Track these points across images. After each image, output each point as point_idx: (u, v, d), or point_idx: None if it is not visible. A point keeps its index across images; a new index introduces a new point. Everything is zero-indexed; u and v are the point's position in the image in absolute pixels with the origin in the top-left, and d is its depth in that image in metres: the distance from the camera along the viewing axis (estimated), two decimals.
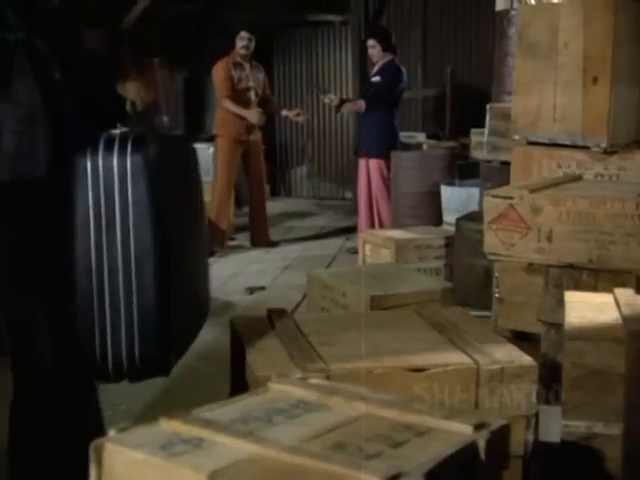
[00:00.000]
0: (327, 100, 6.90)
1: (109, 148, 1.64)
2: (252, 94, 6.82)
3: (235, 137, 6.70)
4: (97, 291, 1.68)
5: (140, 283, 1.68)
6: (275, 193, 10.44)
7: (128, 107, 2.43)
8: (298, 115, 7.22)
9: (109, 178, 1.64)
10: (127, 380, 1.75)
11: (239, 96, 6.70)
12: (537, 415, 2.10)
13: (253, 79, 6.83)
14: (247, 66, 6.79)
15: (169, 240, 1.72)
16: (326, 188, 10.63)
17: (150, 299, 1.70)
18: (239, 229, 7.43)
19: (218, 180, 6.79)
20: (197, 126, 9.94)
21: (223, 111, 6.73)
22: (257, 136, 6.92)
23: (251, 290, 5.42)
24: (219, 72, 6.71)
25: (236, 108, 6.62)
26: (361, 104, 6.50)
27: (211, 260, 6.40)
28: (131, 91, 2.58)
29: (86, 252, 1.67)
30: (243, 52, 6.73)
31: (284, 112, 7.29)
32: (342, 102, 6.90)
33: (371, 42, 6.50)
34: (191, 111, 9.90)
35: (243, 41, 6.71)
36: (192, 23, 10.24)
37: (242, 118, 6.65)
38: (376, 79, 6.46)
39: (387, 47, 6.42)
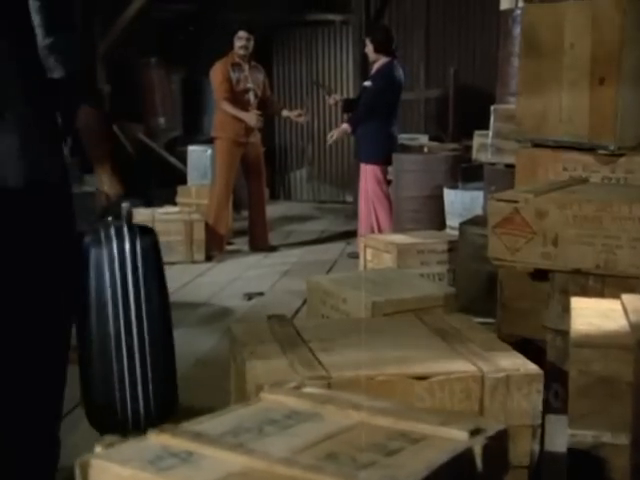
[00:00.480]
0: (332, 101, 6.91)
1: (120, 237, 2.14)
2: (251, 95, 6.81)
3: (234, 139, 6.70)
4: (115, 352, 1.99)
5: (152, 340, 2.02)
6: (274, 196, 10.45)
7: (103, 199, 2.70)
8: (299, 116, 7.20)
9: (122, 260, 2.07)
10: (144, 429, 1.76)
11: (238, 98, 6.68)
12: (543, 424, 2.10)
13: (252, 80, 6.82)
14: (246, 67, 6.78)
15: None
16: (326, 191, 10.64)
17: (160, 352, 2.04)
18: (238, 233, 7.43)
19: (216, 183, 6.80)
20: (195, 128, 9.95)
21: (222, 113, 6.73)
22: (256, 138, 6.91)
23: (250, 296, 5.42)
24: (217, 73, 6.70)
25: (234, 110, 6.62)
26: (345, 128, 6.54)
27: (209, 265, 6.41)
28: (105, 183, 2.72)
29: (104, 320, 1.99)
30: (242, 52, 6.72)
31: (285, 113, 7.28)
32: (346, 103, 6.90)
33: (366, 40, 6.55)
34: (188, 112, 9.90)
35: (241, 41, 6.71)
36: (189, 23, 10.26)
37: (241, 120, 6.65)
38: (367, 84, 6.49)
39: (381, 47, 6.39)
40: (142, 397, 2.00)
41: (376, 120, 6.38)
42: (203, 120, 9.50)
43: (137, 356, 2.00)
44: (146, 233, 2.21)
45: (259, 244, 7.01)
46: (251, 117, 6.67)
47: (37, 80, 2.01)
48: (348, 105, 6.89)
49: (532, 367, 2.08)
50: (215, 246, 6.67)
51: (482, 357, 2.11)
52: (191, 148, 8.71)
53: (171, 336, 2.08)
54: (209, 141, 7.34)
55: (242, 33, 6.71)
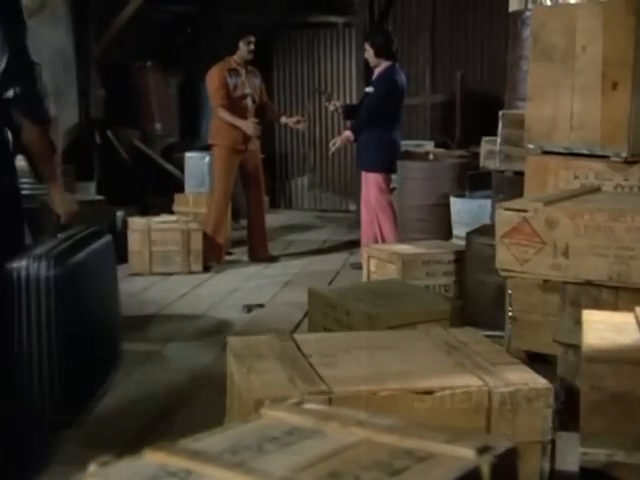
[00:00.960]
0: (332, 107, 6.90)
1: (38, 263, 2.56)
2: (249, 101, 6.81)
3: (232, 146, 6.70)
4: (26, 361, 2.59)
5: (49, 356, 2.60)
6: (275, 205, 10.46)
7: (52, 218, 2.92)
8: (298, 122, 7.19)
9: (36, 285, 2.56)
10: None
11: (235, 104, 6.67)
12: (553, 442, 2.10)
13: (249, 85, 6.83)
14: (243, 72, 6.79)
15: (73, 326, 2.65)
16: (328, 200, 10.65)
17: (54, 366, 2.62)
18: (237, 243, 7.44)
19: (215, 192, 6.80)
20: (192, 133, 9.97)
21: (219, 120, 6.73)
22: (255, 145, 6.92)
23: (249, 308, 5.42)
24: (213, 79, 6.69)
25: (231, 118, 6.62)
26: (348, 136, 6.53)
27: (207, 276, 6.41)
28: (55, 201, 2.87)
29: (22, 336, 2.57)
30: (250, 57, 6.76)
31: (283, 119, 7.28)
32: (347, 109, 6.90)
33: (365, 45, 6.56)
34: (186, 118, 9.92)
35: (251, 45, 6.72)
36: (187, 25, 10.29)
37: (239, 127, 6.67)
38: (369, 90, 6.52)
39: (381, 52, 6.41)
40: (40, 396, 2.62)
41: (378, 126, 6.39)
42: (201, 126, 9.52)
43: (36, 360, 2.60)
44: (58, 264, 2.59)
45: (258, 254, 7.00)
46: (249, 126, 6.67)
47: None
48: (349, 111, 6.90)
49: (541, 382, 2.07)
50: (214, 256, 6.67)
51: (489, 371, 2.11)
52: (188, 155, 8.73)
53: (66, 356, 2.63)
54: (207, 148, 7.34)
55: (251, 37, 6.71)
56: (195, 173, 8.38)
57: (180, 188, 8.44)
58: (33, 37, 2.75)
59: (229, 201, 6.93)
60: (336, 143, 6.66)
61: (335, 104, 6.93)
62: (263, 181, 7.17)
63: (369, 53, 6.48)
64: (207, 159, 7.77)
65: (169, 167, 9.28)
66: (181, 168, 8.87)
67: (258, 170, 7.02)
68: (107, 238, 3.04)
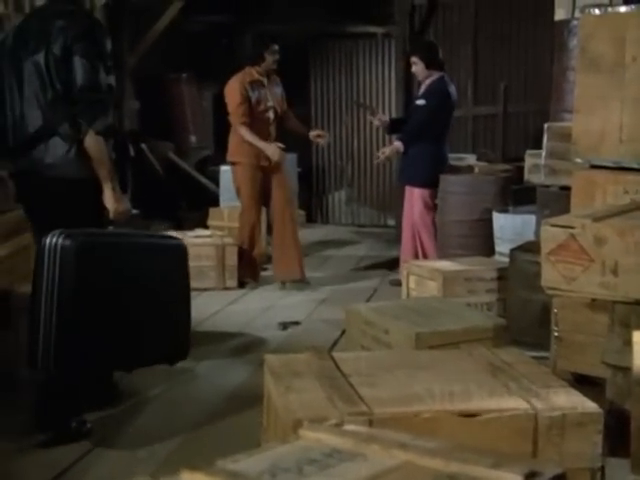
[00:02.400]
0: (377, 122, 6.82)
1: (59, 236, 3.16)
2: (271, 114, 6.59)
3: (254, 164, 6.48)
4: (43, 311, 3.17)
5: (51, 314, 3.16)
6: (311, 220, 10.48)
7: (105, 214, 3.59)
8: (319, 137, 6.91)
9: (53, 253, 3.15)
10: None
11: (258, 118, 6.46)
12: (603, 469, 2.07)
13: (272, 96, 6.60)
14: (266, 82, 6.56)
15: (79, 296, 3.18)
16: (366, 214, 10.65)
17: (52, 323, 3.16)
18: (271, 258, 7.44)
19: (245, 211, 6.64)
20: (227, 146, 10.03)
21: (238, 135, 6.50)
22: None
23: (285, 325, 5.43)
24: (234, 95, 6.44)
25: (253, 139, 6.38)
26: (398, 147, 6.46)
27: (241, 292, 6.43)
28: (107, 199, 3.53)
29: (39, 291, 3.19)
30: (275, 66, 6.60)
31: (311, 135, 6.94)
32: (392, 124, 6.85)
33: (413, 59, 6.45)
34: (221, 130, 9.97)
35: (275, 55, 6.53)
36: (223, 35, 10.38)
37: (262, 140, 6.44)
38: (421, 102, 6.43)
39: (431, 64, 6.38)
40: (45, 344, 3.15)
41: (428, 140, 6.36)
42: None
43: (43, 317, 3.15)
44: (73, 239, 3.15)
45: (280, 275, 6.62)
46: (274, 151, 6.39)
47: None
48: (394, 125, 6.84)
49: (590, 405, 2.05)
50: (249, 274, 6.65)
51: (536, 394, 2.09)
52: (224, 168, 8.75)
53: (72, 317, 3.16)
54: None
55: (276, 46, 6.52)
56: (230, 186, 8.35)
57: (215, 202, 8.48)
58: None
59: (260, 217, 6.74)
60: (385, 152, 6.59)
61: (381, 118, 6.87)
62: (290, 200, 6.78)
63: (418, 66, 6.39)
64: None
65: (203, 180, 9.34)
66: (216, 181, 8.92)
67: (283, 188, 6.64)
68: (167, 244, 3.63)
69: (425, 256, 6.34)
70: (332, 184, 10.78)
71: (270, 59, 6.50)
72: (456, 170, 7.06)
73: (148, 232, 3.78)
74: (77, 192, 3.48)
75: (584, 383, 2.85)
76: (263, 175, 6.53)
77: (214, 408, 3.89)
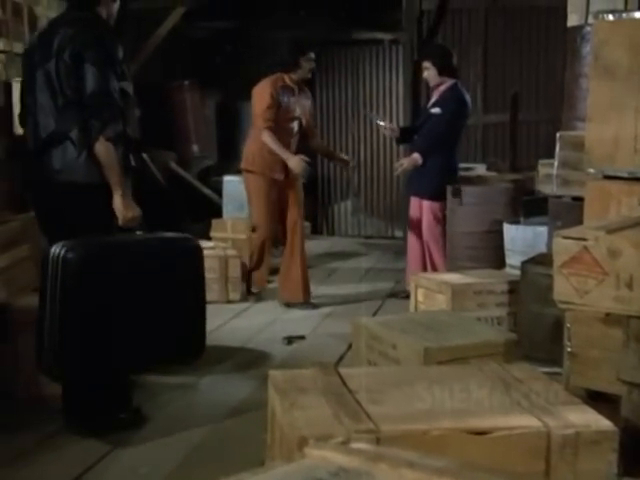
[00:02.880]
0: (389, 132, 6.73)
1: (62, 248, 3.35)
2: (296, 125, 6.45)
3: (268, 175, 6.32)
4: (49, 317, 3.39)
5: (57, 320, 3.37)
6: (317, 231, 10.49)
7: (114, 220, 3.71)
8: (343, 162, 7.02)
9: (55, 264, 3.36)
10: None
11: (281, 126, 6.27)
12: None
13: (300, 107, 6.44)
14: (297, 91, 6.41)
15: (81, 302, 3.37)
16: (373, 225, 10.66)
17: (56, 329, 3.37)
18: (277, 271, 7.44)
19: (258, 228, 6.43)
20: (231, 155, 10.05)
21: (255, 143, 6.33)
22: (295, 176, 6.42)
23: (289, 340, 5.42)
24: (264, 96, 6.23)
25: (276, 146, 6.18)
26: (416, 158, 6.34)
27: (245, 305, 6.43)
28: (117, 206, 3.67)
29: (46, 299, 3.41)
30: (309, 76, 6.49)
31: (337, 155, 6.88)
32: (402, 133, 6.78)
33: (425, 64, 6.41)
34: (224, 139, 10.01)
35: (312, 63, 6.38)
36: (226, 42, 10.42)
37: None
38: (436, 110, 6.37)
39: (445, 69, 6.36)
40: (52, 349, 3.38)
41: (442, 151, 6.35)
42: (240, 148, 9.58)
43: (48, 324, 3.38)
44: (75, 250, 3.35)
45: (285, 297, 6.49)
46: (297, 163, 6.21)
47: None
48: (403, 135, 6.76)
49: (605, 423, 2.04)
50: (257, 281, 6.63)
51: (548, 411, 2.09)
52: (227, 178, 8.81)
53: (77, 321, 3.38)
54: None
55: (312, 54, 6.36)
56: (233, 197, 8.44)
57: (218, 213, 8.50)
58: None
59: (272, 233, 6.49)
60: (403, 164, 6.47)
61: (392, 127, 6.75)
62: (302, 216, 6.60)
63: (431, 72, 6.34)
64: None
65: (206, 191, 9.36)
66: (219, 192, 8.94)
67: (298, 204, 6.48)
68: (178, 245, 3.73)
69: (434, 269, 6.34)
70: (338, 194, 10.79)
71: (306, 67, 6.34)
72: (465, 180, 7.05)
73: (161, 234, 3.80)
74: (87, 196, 3.64)
75: (598, 400, 2.84)
76: (278, 190, 6.36)
77: (217, 424, 3.89)
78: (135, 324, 3.47)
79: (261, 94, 6.27)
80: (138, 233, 3.73)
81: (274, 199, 6.36)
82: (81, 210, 3.65)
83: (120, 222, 3.70)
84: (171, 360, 3.79)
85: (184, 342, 3.66)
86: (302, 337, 5.52)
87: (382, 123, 6.89)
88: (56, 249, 3.34)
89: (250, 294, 6.60)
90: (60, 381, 3.65)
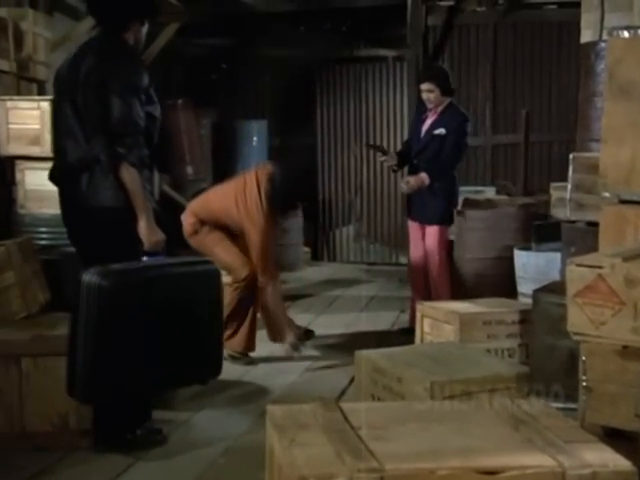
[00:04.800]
0: (391, 162, 6.62)
1: (97, 275, 3.61)
2: None
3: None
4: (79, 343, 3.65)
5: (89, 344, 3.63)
6: (317, 257, 10.50)
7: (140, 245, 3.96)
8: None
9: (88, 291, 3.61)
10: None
11: None
12: None
13: None
14: None
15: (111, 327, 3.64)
16: (377, 251, 10.66)
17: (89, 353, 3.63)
18: None
19: (232, 270, 6.01)
20: (227, 178, 10.05)
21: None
22: None
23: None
24: None
25: None
26: (424, 178, 6.28)
27: None
28: (142, 231, 3.90)
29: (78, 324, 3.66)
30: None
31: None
32: (399, 158, 6.74)
33: (428, 86, 6.35)
34: (220, 160, 10.03)
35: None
36: (222, 59, 10.47)
37: None
38: (440, 131, 6.34)
39: (447, 90, 6.40)
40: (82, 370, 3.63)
41: (450, 174, 6.38)
42: (236, 170, 9.61)
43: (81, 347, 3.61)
44: (108, 278, 3.62)
45: (277, 338, 5.96)
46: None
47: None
48: (402, 159, 6.65)
49: (623, 463, 2.03)
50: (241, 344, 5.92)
51: (563, 450, 2.08)
52: None
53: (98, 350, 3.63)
54: None
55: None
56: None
57: None
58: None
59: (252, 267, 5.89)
60: (410, 182, 6.35)
61: (392, 156, 6.67)
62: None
63: (435, 93, 6.30)
64: None
65: None
66: None
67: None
68: (201, 269, 4.03)
69: (439, 297, 6.30)
70: (339, 218, 10.80)
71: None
72: (473, 204, 7.05)
73: (183, 259, 4.27)
74: (113, 220, 3.90)
75: (616, 438, 2.83)
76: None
77: (212, 463, 3.88)
78: (163, 346, 3.75)
79: None
80: (161, 257, 4.04)
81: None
82: (109, 234, 3.92)
83: (145, 246, 3.96)
84: (193, 380, 4.14)
85: (205, 362, 4.01)
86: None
87: (382, 158, 6.84)
88: (89, 276, 3.58)
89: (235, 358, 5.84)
90: (91, 404, 3.93)
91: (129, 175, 3.85)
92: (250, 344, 5.83)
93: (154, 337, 3.72)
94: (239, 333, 5.83)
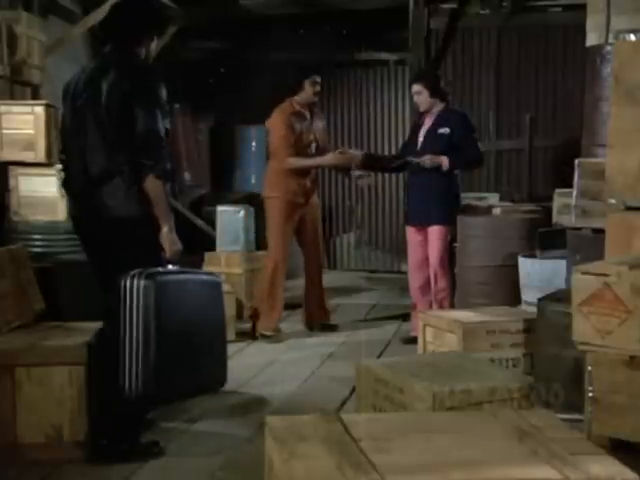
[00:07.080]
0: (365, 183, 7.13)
1: (139, 277, 3.80)
2: (313, 148, 6.86)
3: (291, 200, 6.70)
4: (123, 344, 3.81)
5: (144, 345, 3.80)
6: None
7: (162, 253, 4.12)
8: (361, 178, 7.05)
9: (131, 292, 3.80)
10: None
11: (299, 152, 6.72)
12: None
13: (315, 130, 6.88)
14: (308, 115, 6.81)
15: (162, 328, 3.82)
16: (378, 259, 10.67)
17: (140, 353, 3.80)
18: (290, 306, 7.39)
19: (272, 252, 6.74)
20: (225, 184, 10.08)
21: (274, 172, 6.77)
22: (315, 199, 6.95)
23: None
24: (279, 126, 6.71)
25: (305, 161, 6.71)
26: (443, 160, 6.30)
27: (241, 345, 6.43)
28: (164, 240, 4.05)
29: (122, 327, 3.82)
30: (315, 99, 6.83)
31: (352, 173, 7.00)
32: (398, 160, 6.78)
33: (416, 87, 6.47)
34: (218, 166, 10.04)
35: (317, 86, 6.75)
36: (220, 64, 10.47)
37: (300, 176, 6.68)
38: (444, 131, 6.36)
39: (435, 92, 6.45)
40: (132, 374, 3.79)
41: (449, 174, 6.39)
42: (235, 176, 9.64)
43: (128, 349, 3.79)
44: (149, 279, 3.83)
45: (314, 321, 7.04)
46: (331, 159, 6.80)
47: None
48: (399, 164, 6.71)
49: (631, 476, 2.03)
50: (267, 324, 6.66)
51: (568, 462, 2.08)
52: (221, 208, 8.78)
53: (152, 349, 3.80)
54: (242, 200, 7.38)
55: (317, 77, 6.73)
56: (228, 229, 8.40)
57: (211, 246, 8.49)
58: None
59: (286, 262, 6.81)
60: (433, 159, 6.31)
61: (369, 182, 7.18)
62: (322, 238, 7.20)
63: (422, 96, 6.41)
64: (242, 214, 7.82)
65: (199, 222, 9.37)
66: (212, 223, 8.94)
67: (317, 227, 7.03)
68: (211, 280, 4.42)
69: (441, 303, 6.29)
70: (340, 226, 10.81)
71: (310, 90, 6.75)
72: (476, 211, 7.04)
73: (193, 269, 4.56)
74: (136, 228, 4.04)
75: (623, 450, 2.83)
76: (298, 214, 6.79)
77: (210, 475, 3.87)
78: (189, 351, 3.95)
79: (276, 125, 6.77)
80: (173, 267, 4.16)
81: (292, 224, 6.77)
82: (130, 242, 4.05)
83: (167, 255, 4.10)
84: (205, 389, 4.32)
85: (214, 371, 4.18)
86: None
87: (359, 182, 7.20)
88: (129, 279, 3.79)
89: (256, 337, 6.66)
90: (145, 402, 4.03)
91: (154, 187, 3.97)
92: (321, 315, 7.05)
93: (184, 339, 3.91)
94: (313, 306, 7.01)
